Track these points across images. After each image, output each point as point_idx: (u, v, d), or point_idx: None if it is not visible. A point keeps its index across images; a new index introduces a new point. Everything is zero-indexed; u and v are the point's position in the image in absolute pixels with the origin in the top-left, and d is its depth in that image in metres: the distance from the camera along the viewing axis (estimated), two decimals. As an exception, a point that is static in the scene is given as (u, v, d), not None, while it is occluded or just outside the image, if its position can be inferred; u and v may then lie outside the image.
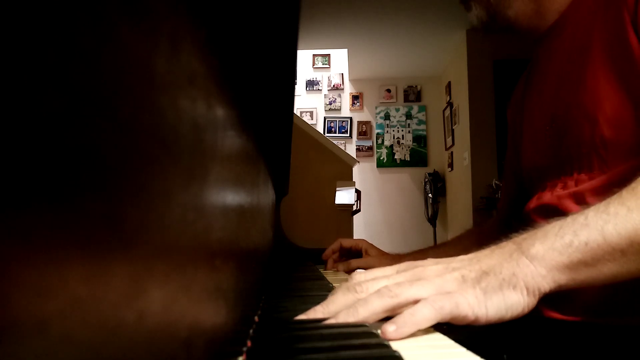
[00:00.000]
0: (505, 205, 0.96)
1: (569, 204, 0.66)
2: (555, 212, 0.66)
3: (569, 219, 0.45)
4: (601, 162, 0.64)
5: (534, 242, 0.44)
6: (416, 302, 0.40)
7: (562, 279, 0.43)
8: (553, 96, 0.73)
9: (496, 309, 0.41)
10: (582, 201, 0.64)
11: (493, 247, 0.46)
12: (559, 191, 0.69)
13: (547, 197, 0.71)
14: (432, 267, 0.44)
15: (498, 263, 0.43)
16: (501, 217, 0.98)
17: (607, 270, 0.43)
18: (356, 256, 1.06)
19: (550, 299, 0.44)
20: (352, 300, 0.43)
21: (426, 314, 0.38)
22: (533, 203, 0.75)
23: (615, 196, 0.46)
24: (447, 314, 0.39)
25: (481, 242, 0.87)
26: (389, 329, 0.37)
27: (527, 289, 0.42)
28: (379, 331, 0.38)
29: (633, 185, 0.46)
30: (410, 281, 0.42)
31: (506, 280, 0.42)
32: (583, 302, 0.62)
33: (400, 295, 0.41)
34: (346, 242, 1.07)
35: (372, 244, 1.06)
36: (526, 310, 0.42)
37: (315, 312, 0.43)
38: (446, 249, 0.96)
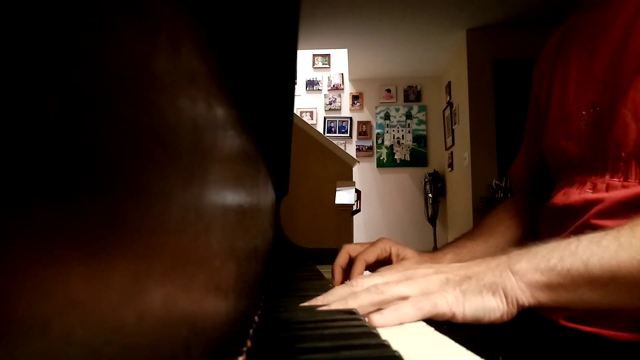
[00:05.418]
0: (527, 174, 0.85)
1: (599, 218, 0.59)
2: (582, 220, 0.61)
3: (563, 243, 0.47)
4: None
5: (522, 258, 0.47)
6: (401, 298, 0.46)
7: (542, 297, 0.46)
8: (598, 80, 0.64)
9: (474, 310, 0.45)
10: (614, 215, 0.58)
11: (488, 258, 0.50)
12: (587, 192, 0.63)
13: (575, 196, 0.64)
14: (423, 270, 0.49)
15: (482, 271, 0.47)
16: (523, 191, 0.86)
17: (587, 297, 0.45)
18: (384, 264, 0.72)
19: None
20: (347, 293, 0.49)
21: (407, 312, 0.44)
22: (559, 199, 0.68)
23: (615, 229, 0.46)
24: (426, 313, 0.44)
25: (520, 227, 0.82)
26: (375, 317, 0.43)
27: (506, 297, 0.45)
28: (378, 330, 0.38)
29: (638, 221, 0.45)
30: (398, 281, 0.48)
31: (486, 286, 0.45)
32: (602, 314, 0.57)
33: (385, 293, 0.46)
34: (370, 256, 0.70)
35: (400, 244, 0.73)
36: (505, 317, 0.45)
37: (316, 301, 0.49)
38: (482, 241, 0.78)
